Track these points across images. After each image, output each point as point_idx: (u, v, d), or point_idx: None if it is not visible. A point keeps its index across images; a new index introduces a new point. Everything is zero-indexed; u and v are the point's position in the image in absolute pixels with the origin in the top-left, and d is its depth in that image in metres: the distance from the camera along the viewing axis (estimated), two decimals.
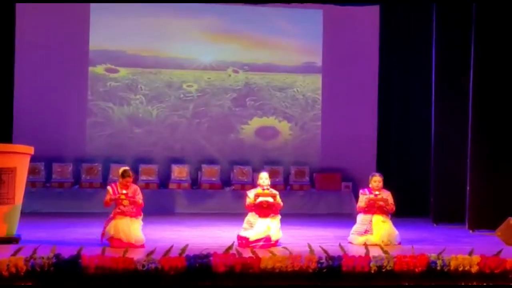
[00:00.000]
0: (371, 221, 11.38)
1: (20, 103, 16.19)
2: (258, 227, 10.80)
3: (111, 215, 10.83)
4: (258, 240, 10.64)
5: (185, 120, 17.33)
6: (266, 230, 10.77)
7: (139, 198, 10.95)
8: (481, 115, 13.54)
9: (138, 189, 11.12)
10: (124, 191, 10.84)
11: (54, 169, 16.29)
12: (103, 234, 10.72)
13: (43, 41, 16.54)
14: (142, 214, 11.01)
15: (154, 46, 17.18)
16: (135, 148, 17.00)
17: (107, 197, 10.89)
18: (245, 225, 10.98)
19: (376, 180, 11.60)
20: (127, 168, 11.19)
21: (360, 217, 11.57)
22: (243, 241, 10.68)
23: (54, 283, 8.50)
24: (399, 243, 11.30)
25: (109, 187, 11.04)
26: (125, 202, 10.78)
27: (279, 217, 11.06)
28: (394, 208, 11.59)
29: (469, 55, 13.68)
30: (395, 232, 11.39)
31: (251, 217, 11.00)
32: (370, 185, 11.64)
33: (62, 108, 16.67)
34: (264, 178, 11.14)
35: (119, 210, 10.78)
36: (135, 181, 16.07)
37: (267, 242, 10.68)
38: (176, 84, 17.33)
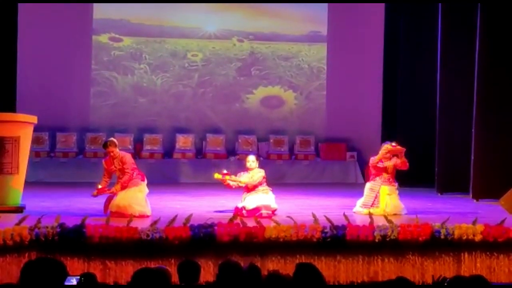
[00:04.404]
0: (378, 193, 11.28)
1: (23, 73, 16.15)
2: (252, 199, 10.78)
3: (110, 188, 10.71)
4: (257, 209, 10.60)
5: (190, 89, 17.28)
6: (261, 200, 10.73)
7: (127, 168, 10.61)
8: (487, 86, 13.48)
9: (125, 157, 10.74)
10: (100, 186, 10.66)
11: (58, 138, 16.30)
12: (106, 207, 10.62)
13: (46, 10, 16.43)
14: (145, 179, 10.82)
15: (158, 15, 17.09)
16: (139, 118, 16.96)
17: (96, 190, 10.69)
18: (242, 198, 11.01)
19: (386, 148, 11.42)
20: (106, 140, 11.01)
21: (367, 189, 11.46)
22: (242, 211, 10.63)
23: (58, 252, 8.51)
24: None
25: (103, 162, 10.91)
26: (117, 187, 10.61)
27: (269, 189, 11.01)
28: (407, 165, 11.47)
29: (475, 19, 13.57)
30: (400, 205, 11.30)
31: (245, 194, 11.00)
32: (380, 153, 11.47)
33: (66, 78, 16.62)
34: (251, 161, 11.08)
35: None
36: (139, 151, 16.13)
37: (267, 210, 10.65)
38: (180, 53, 17.26)
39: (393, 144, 11.37)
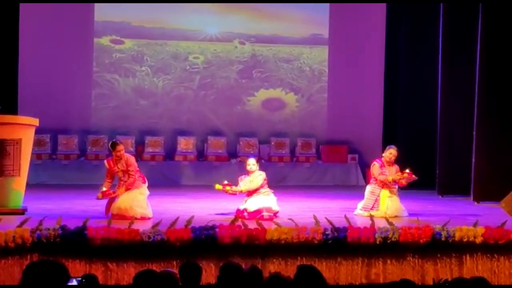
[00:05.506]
0: (378, 196, 11.27)
1: (25, 75, 16.17)
2: (253, 201, 10.79)
3: (114, 191, 10.72)
4: (258, 211, 10.61)
5: (191, 92, 17.30)
6: (262, 202, 10.74)
7: (132, 170, 10.65)
8: (488, 88, 13.48)
9: (130, 159, 10.76)
10: (104, 188, 10.67)
11: (60, 141, 16.32)
12: (107, 209, 10.63)
13: (47, 12, 16.45)
14: (146, 181, 10.83)
15: (160, 17, 17.10)
16: (140, 120, 16.98)
17: (100, 192, 10.68)
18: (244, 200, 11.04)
19: (392, 152, 11.42)
20: (114, 140, 11.04)
21: (368, 192, 11.44)
22: (243, 213, 10.64)
23: (60, 254, 8.52)
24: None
25: (105, 162, 10.92)
26: (121, 190, 10.61)
27: (270, 191, 11.01)
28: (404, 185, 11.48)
29: (477, 20, 13.57)
30: (401, 207, 11.29)
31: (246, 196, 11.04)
32: (383, 155, 11.45)
33: (67, 80, 16.63)
34: (251, 164, 11.06)
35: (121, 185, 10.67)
36: (141, 154, 16.14)
37: (269, 212, 10.65)
38: (182, 55, 17.28)
39: (408, 171, 11.26)
